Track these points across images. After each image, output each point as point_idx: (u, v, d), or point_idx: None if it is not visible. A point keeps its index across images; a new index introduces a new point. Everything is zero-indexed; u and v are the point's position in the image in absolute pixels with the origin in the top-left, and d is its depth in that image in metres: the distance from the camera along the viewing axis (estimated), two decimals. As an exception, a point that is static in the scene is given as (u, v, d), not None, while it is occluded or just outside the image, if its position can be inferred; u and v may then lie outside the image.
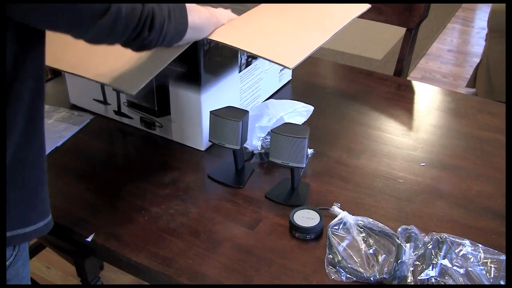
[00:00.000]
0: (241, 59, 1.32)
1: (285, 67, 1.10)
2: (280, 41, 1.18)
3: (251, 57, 1.36)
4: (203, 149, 1.30)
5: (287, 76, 1.58)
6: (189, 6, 1.02)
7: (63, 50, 1.12)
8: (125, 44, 0.93)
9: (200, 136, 1.28)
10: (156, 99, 1.31)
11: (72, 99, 1.50)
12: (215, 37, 1.14)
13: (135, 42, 0.92)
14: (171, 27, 0.96)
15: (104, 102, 1.42)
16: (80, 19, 0.80)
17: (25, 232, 0.89)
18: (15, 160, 0.85)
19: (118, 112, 1.41)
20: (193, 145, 1.31)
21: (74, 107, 1.49)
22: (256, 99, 1.45)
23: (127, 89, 1.08)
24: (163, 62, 1.08)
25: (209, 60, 1.21)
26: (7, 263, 0.89)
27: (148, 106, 1.34)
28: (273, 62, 1.11)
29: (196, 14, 1.06)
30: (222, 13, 1.19)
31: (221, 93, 1.29)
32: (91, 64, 1.13)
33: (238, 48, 1.13)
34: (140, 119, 1.37)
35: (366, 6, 1.40)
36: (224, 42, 1.12)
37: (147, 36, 0.91)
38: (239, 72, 1.34)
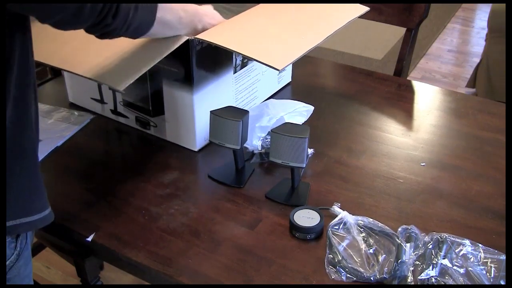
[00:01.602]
0: (236, 60, 1.32)
1: (273, 68, 1.09)
2: (271, 43, 1.18)
3: (247, 58, 1.35)
4: (196, 149, 1.30)
5: (287, 78, 1.57)
6: (162, 5, 1.02)
7: (55, 47, 1.13)
8: (88, 30, 0.92)
9: (193, 136, 1.28)
10: (150, 99, 1.31)
11: (71, 97, 1.50)
12: (206, 37, 1.13)
13: (97, 27, 0.90)
14: (137, 17, 0.95)
15: (101, 101, 1.42)
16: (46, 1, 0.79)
17: (30, 220, 0.90)
18: (8, 149, 0.85)
19: (115, 111, 1.41)
20: (186, 145, 1.31)
21: (73, 106, 1.49)
22: (253, 100, 1.44)
23: (114, 85, 1.07)
24: (152, 59, 1.08)
25: (202, 61, 1.21)
26: (8, 262, 0.89)
27: (143, 105, 1.34)
28: (261, 63, 1.10)
29: (167, 11, 1.05)
30: (208, 15, 1.18)
31: (215, 94, 1.29)
32: (82, 60, 1.13)
33: (227, 48, 1.12)
34: (135, 119, 1.37)
35: (364, 9, 1.40)
36: (214, 42, 1.12)
37: (110, 23, 0.90)
38: (234, 73, 1.33)
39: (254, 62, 1.36)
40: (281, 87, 1.55)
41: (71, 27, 0.88)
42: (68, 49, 1.14)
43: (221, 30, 1.17)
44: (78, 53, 1.14)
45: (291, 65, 1.53)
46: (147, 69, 1.07)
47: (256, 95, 1.45)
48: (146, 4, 0.98)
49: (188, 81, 1.22)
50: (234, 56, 1.31)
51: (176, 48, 1.11)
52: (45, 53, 1.13)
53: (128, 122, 1.40)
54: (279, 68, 1.09)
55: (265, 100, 1.46)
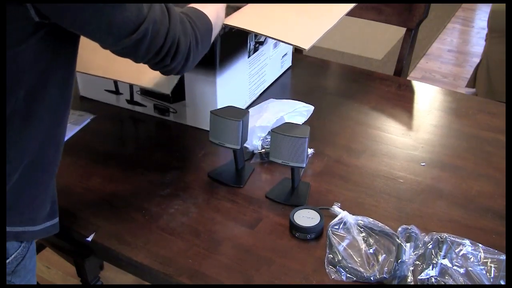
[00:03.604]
0: (250, 45, 1.36)
1: (301, 48, 1.13)
2: (291, 26, 1.22)
3: (258, 43, 1.40)
4: None
5: (288, 62, 1.63)
6: (213, 20, 1.02)
7: (91, 55, 1.15)
8: (151, 67, 0.95)
9: None
10: None
11: (81, 91, 1.53)
12: (231, 22, 1.17)
13: (158, 66, 0.94)
14: (198, 54, 0.98)
15: (117, 92, 1.45)
16: (112, 32, 0.82)
17: (34, 230, 0.92)
18: (35, 159, 0.88)
19: (131, 101, 1.44)
20: (208, 127, 1.32)
21: (84, 99, 1.51)
22: (262, 84, 1.49)
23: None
24: None
25: (223, 45, 1.25)
26: (16, 254, 0.91)
27: (162, 93, 1.36)
28: (289, 44, 1.15)
29: (218, 27, 1.06)
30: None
31: (233, 77, 1.33)
32: (119, 67, 1.17)
33: (257, 32, 1.16)
34: (153, 106, 1.41)
35: None
36: (242, 27, 1.16)
37: (169, 64, 0.93)
38: (248, 57, 1.37)
39: (264, 46, 1.43)
40: (283, 71, 1.61)
41: (130, 58, 0.91)
42: (102, 56, 1.16)
43: (241, 15, 1.21)
44: (112, 60, 1.16)
45: (291, 51, 1.62)
46: None
47: (265, 79, 1.50)
48: (204, 26, 0.98)
49: (211, 65, 1.25)
50: (248, 41, 1.34)
51: None
52: (81, 63, 1.17)
53: (145, 111, 1.43)
54: (306, 48, 1.12)
55: (269, 86, 1.52)
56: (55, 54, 0.84)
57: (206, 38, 1.00)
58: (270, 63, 1.51)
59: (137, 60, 0.92)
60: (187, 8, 1.00)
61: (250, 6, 1.28)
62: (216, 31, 1.05)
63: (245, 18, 1.21)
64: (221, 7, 1.11)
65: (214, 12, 1.04)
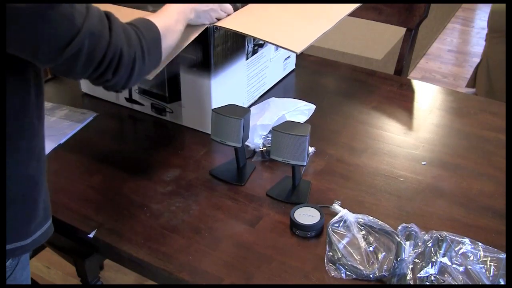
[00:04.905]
0: (248, 47, 1.36)
1: (292, 51, 1.13)
2: (286, 28, 1.22)
3: (258, 45, 1.40)
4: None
5: (291, 65, 1.62)
6: (161, 30, 0.96)
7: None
8: (92, 83, 0.89)
9: (209, 120, 1.29)
10: (167, 85, 1.35)
11: (83, 87, 1.53)
12: (225, 24, 1.17)
13: (98, 82, 0.87)
14: (145, 66, 0.91)
15: None
16: (41, 48, 0.76)
17: (24, 244, 0.89)
18: (14, 175, 0.85)
19: (130, 99, 1.44)
20: (202, 129, 1.34)
21: (86, 96, 1.52)
22: (262, 86, 1.49)
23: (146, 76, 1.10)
24: (175, 50, 1.10)
25: (218, 47, 1.25)
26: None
27: (159, 92, 1.37)
28: (280, 47, 1.15)
29: (170, 40, 1.00)
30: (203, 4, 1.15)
31: (230, 79, 1.33)
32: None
33: (247, 34, 1.16)
34: (151, 106, 1.41)
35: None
36: (234, 28, 1.16)
37: (110, 78, 0.86)
38: (246, 60, 1.37)
39: (264, 48, 1.42)
40: (286, 73, 1.60)
41: (68, 77, 0.85)
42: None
43: (236, 17, 1.21)
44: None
45: (295, 54, 1.58)
46: (170, 60, 1.11)
47: (265, 81, 1.50)
48: (152, 41, 0.92)
49: (206, 67, 1.25)
50: (246, 43, 1.34)
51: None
52: None
53: (143, 109, 1.43)
54: (297, 51, 1.12)
55: (270, 88, 1.51)
56: (14, 82, 0.80)
57: (154, 48, 0.93)
58: (271, 66, 1.50)
59: (76, 77, 0.85)
60: (134, 19, 0.94)
61: (250, 7, 1.28)
62: (167, 42, 0.98)
63: (240, 20, 1.20)
64: (176, 20, 1.03)
65: (163, 22, 0.97)
